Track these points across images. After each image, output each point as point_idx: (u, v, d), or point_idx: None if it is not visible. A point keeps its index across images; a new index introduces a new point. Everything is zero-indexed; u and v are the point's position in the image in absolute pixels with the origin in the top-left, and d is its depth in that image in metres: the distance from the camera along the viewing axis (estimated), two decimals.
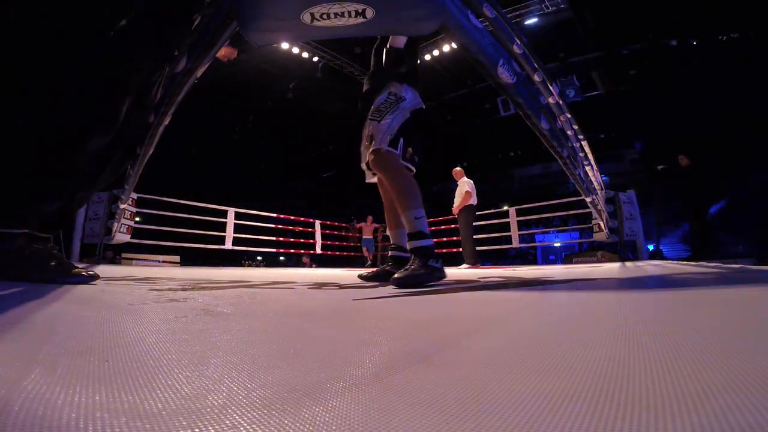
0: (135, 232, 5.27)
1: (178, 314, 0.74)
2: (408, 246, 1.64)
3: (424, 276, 1.51)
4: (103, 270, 2.37)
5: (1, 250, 1.26)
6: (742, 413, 0.25)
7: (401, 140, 1.72)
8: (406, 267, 1.55)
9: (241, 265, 11.22)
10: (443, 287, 1.53)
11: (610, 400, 0.28)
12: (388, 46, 1.86)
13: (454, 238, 6.87)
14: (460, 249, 5.88)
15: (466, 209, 5.59)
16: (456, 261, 6.14)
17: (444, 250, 7.66)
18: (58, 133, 1.35)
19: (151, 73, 1.57)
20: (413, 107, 1.81)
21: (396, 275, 1.49)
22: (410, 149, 1.76)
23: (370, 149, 1.76)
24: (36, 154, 1.33)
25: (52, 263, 1.34)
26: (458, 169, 5.86)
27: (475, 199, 5.67)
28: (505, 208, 7.52)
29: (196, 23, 1.93)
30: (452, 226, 6.58)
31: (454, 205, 5.70)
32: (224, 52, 2.29)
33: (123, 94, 1.47)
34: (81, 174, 1.43)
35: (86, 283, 1.36)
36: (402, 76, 1.84)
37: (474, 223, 5.78)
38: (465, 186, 5.62)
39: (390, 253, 1.98)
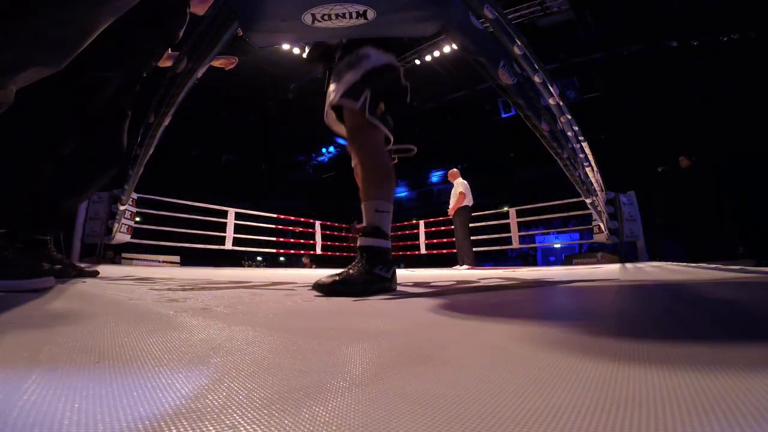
0: (135, 232, 5.27)
1: (178, 314, 0.74)
2: (358, 242, 1.34)
3: (359, 285, 1.19)
4: (103, 270, 2.37)
5: None
6: (736, 418, 0.25)
7: (366, 91, 1.38)
8: (347, 268, 1.27)
9: (241, 265, 11.22)
10: (444, 288, 1.53)
11: (611, 401, 0.28)
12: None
13: (448, 240, 6.88)
14: (455, 250, 5.91)
15: (461, 210, 5.62)
16: (452, 262, 6.16)
17: (444, 251, 7.67)
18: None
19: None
20: (384, 62, 1.51)
21: (322, 280, 1.18)
22: (382, 105, 1.43)
23: (326, 108, 1.49)
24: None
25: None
26: (454, 170, 5.90)
27: (471, 199, 5.70)
28: (506, 209, 7.52)
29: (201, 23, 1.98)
30: (447, 227, 6.59)
31: (449, 207, 5.73)
32: (221, 63, 2.33)
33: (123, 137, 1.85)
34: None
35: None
36: (362, 42, 1.56)
37: (471, 224, 5.80)
38: (459, 187, 5.66)
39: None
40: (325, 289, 1.16)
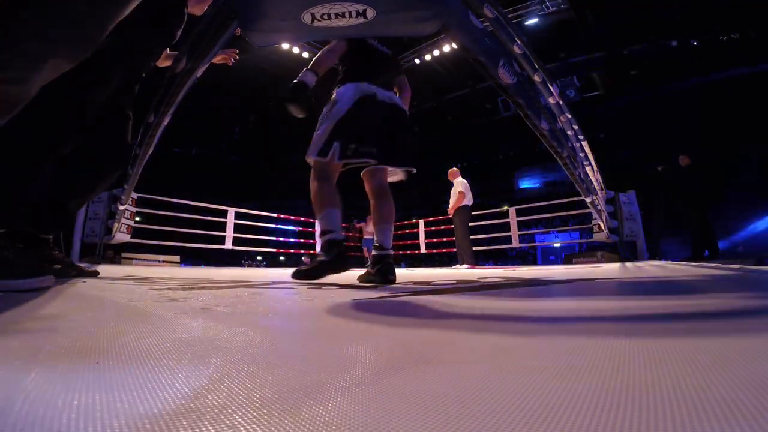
0: (135, 232, 5.27)
1: (178, 314, 0.74)
2: (321, 239, 1.77)
3: (315, 270, 1.68)
4: (103, 270, 2.37)
5: None
6: (736, 416, 0.25)
7: (335, 144, 1.67)
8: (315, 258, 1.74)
9: (241, 265, 11.22)
10: (444, 287, 1.53)
11: (611, 401, 0.28)
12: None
13: (448, 239, 6.87)
14: (455, 249, 5.90)
15: (461, 210, 5.61)
16: (452, 261, 6.15)
17: (444, 251, 7.66)
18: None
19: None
20: (353, 99, 1.73)
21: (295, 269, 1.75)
22: (353, 146, 1.69)
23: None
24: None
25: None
26: (453, 169, 5.89)
27: (470, 199, 5.68)
28: (505, 208, 7.52)
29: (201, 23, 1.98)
30: (447, 226, 6.58)
31: (449, 206, 5.72)
32: (222, 58, 2.30)
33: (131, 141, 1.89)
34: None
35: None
36: (342, 79, 1.80)
37: (471, 224, 5.78)
38: (459, 186, 5.64)
39: (373, 252, 1.95)
40: (301, 274, 1.71)
